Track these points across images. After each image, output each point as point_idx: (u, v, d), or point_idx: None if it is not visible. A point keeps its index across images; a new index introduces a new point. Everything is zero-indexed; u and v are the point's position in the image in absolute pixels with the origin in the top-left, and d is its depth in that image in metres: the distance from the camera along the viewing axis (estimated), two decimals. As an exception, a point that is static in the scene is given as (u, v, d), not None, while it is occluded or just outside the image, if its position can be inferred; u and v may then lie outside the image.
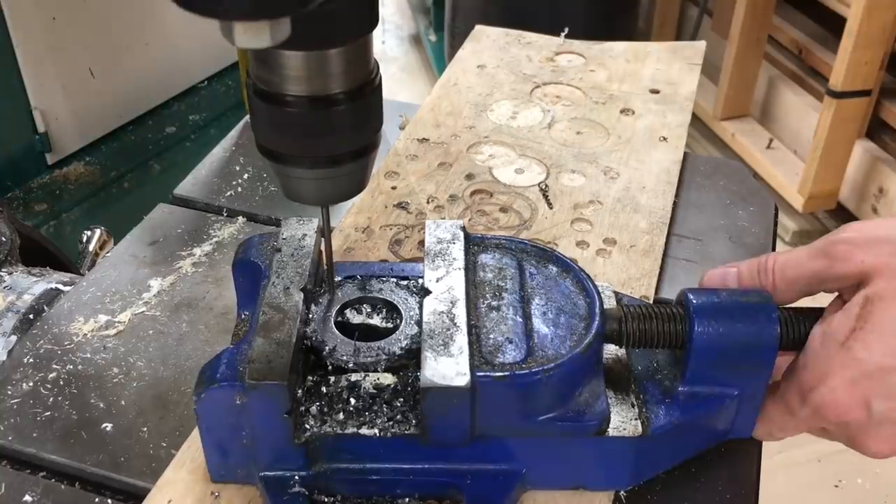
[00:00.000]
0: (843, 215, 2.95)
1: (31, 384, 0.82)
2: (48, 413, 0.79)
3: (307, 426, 0.67)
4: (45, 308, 0.95)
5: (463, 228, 0.77)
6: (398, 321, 0.72)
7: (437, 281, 0.72)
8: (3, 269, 1.05)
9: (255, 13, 0.47)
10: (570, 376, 0.67)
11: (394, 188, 1.05)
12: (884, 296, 0.63)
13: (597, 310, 0.70)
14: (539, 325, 0.70)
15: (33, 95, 1.82)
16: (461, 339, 0.66)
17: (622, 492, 0.73)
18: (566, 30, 1.37)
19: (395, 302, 0.73)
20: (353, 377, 0.68)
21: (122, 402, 0.80)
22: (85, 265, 1.43)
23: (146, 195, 1.96)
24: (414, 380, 0.67)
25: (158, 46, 2.09)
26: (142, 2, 2.02)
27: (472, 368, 0.64)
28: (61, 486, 0.74)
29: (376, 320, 0.73)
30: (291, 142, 0.63)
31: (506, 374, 0.64)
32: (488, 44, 1.37)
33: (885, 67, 2.68)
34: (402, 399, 0.67)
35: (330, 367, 0.69)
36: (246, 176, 1.14)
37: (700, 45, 1.35)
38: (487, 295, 0.72)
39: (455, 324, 0.68)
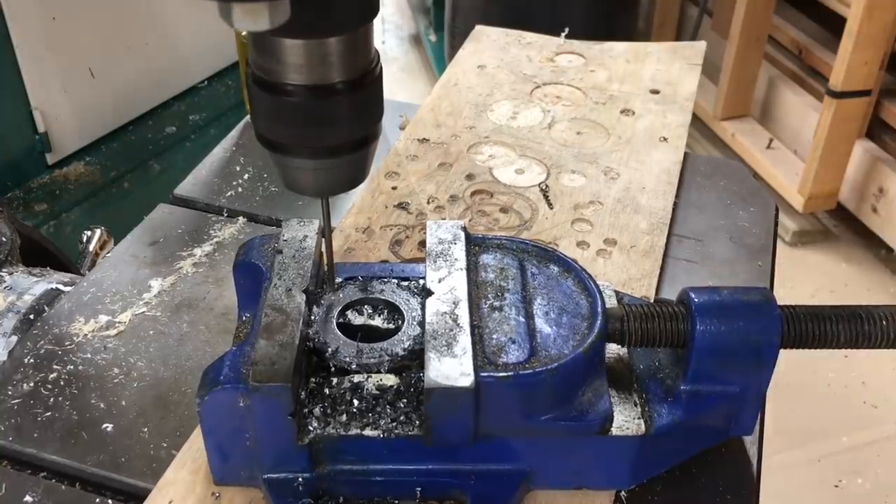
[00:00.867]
0: (843, 215, 2.95)
1: (31, 384, 0.82)
2: (49, 413, 0.79)
3: (310, 428, 0.67)
4: (46, 308, 0.95)
5: (464, 229, 0.78)
6: (400, 322, 0.72)
7: (440, 281, 0.72)
8: (4, 270, 1.05)
9: None
10: (573, 376, 0.67)
11: (394, 188, 1.05)
12: None
13: (599, 309, 0.70)
14: (541, 324, 0.70)
15: (33, 95, 1.82)
16: (464, 340, 0.66)
17: (622, 492, 0.73)
18: (566, 30, 1.38)
19: (396, 303, 0.73)
20: (356, 378, 0.68)
21: (123, 403, 0.80)
22: (85, 265, 1.43)
23: (146, 195, 1.96)
24: (417, 380, 0.67)
25: (158, 46, 2.09)
26: (142, 2, 2.02)
27: (476, 369, 0.64)
28: (62, 486, 0.74)
29: (378, 321, 0.73)
30: (291, 131, 0.63)
31: (509, 374, 0.64)
32: (488, 44, 1.37)
33: (885, 67, 2.68)
34: (405, 400, 0.67)
35: (332, 369, 0.69)
36: (246, 176, 1.14)
37: (700, 46, 1.35)
38: (490, 295, 0.72)
39: (458, 324, 0.68)
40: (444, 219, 0.99)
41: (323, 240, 0.76)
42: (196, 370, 0.83)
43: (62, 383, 0.82)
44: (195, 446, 0.73)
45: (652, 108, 1.21)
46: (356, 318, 0.73)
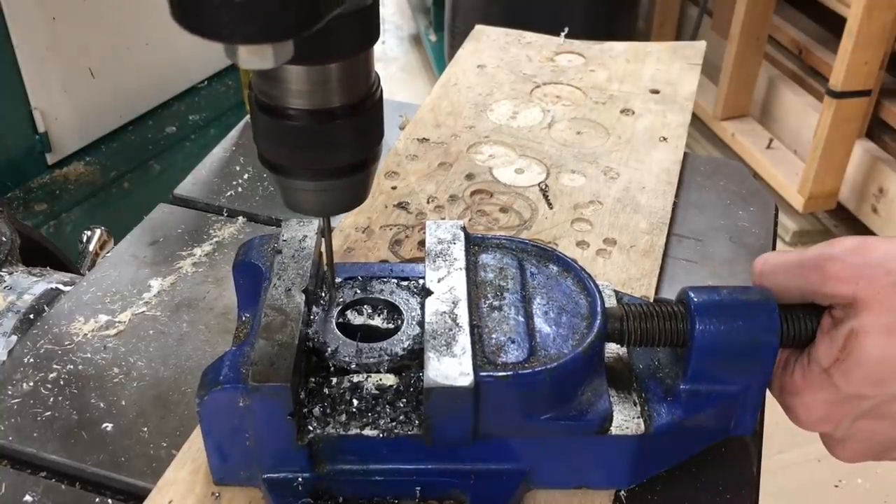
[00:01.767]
0: (843, 215, 2.95)
1: (31, 384, 0.82)
2: (48, 413, 0.79)
3: (310, 428, 0.67)
4: (46, 308, 0.95)
5: (463, 228, 0.78)
6: (400, 322, 0.72)
7: (439, 281, 0.72)
8: (4, 269, 1.05)
9: (259, 37, 0.48)
10: (572, 375, 0.67)
11: (394, 188, 1.05)
12: (869, 331, 0.64)
13: (598, 309, 0.70)
14: (541, 324, 0.70)
15: (33, 95, 1.82)
16: (464, 339, 0.66)
17: (622, 492, 0.73)
18: (566, 30, 1.37)
19: (396, 303, 0.73)
20: (356, 378, 0.68)
21: (123, 402, 0.80)
22: (85, 265, 1.43)
23: (146, 195, 1.96)
24: (416, 380, 0.67)
25: (158, 46, 2.09)
26: (142, 2, 2.02)
27: (476, 368, 0.64)
28: (62, 486, 0.74)
29: (378, 321, 0.73)
30: (292, 154, 0.64)
31: (509, 373, 0.64)
32: (488, 43, 1.37)
33: (885, 67, 2.68)
34: (404, 400, 0.67)
35: (332, 369, 0.69)
36: (246, 176, 1.14)
37: (700, 45, 1.35)
38: (489, 295, 0.72)
39: (457, 324, 0.68)
40: (443, 218, 0.99)
41: (323, 240, 0.76)
42: (196, 370, 0.83)
43: (62, 383, 0.82)
44: (195, 446, 0.73)
45: (652, 107, 1.21)
46: (356, 318, 0.73)
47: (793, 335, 0.70)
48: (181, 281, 0.96)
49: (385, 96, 0.67)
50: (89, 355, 0.85)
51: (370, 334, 0.71)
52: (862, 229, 2.85)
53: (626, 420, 0.70)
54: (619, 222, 1.00)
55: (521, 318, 0.70)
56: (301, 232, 0.78)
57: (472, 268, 0.75)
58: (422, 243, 0.95)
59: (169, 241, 1.01)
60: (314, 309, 0.72)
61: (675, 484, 0.74)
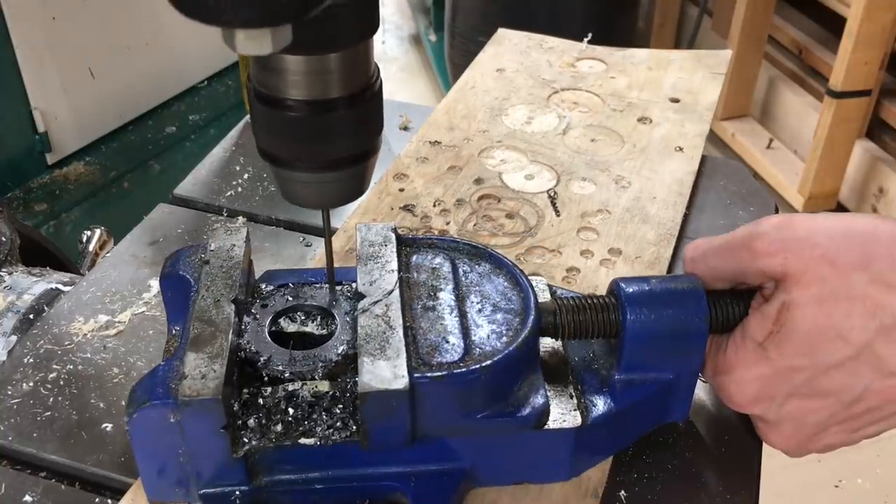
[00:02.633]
0: (843, 215, 2.95)
1: (31, 384, 0.82)
2: (48, 413, 0.79)
3: (245, 440, 0.65)
4: (45, 308, 0.95)
5: (394, 230, 0.77)
6: (333, 327, 0.71)
7: (371, 284, 0.71)
8: (3, 269, 1.05)
9: (257, 21, 0.48)
10: (507, 372, 0.67)
11: (401, 190, 1.05)
12: (800, 302, 0.65)
13: (531, 304, 0.71)
14: (475, 322, 0.70)
15: (33, 95, 1.82)
16: (397, 342, 0.66)
17: (622, 492, 0.73)
18: (589, 35, 1.36)
19: (329, 308, 0.72)
20: (290, 387, 0.67)
21: (123, 403, 0.80)
22: (85, 265, 1.43)
23: (146, 195, 1.96)
24: (352, 385, 0.66)
25: (158, 46, 2.09)
26: (142, 2, 2.02)
27: (410, 370, 0.64)
28: (61, 486, 0.74)
29: (311, 327, 0.72)
30: (290, 145, 0.63)
31: (443, 373, 0.64)
32: (509, 47, 1.36)
33: (885, 67, 2.68)
34: (340, 405, 0.66)
35: (266, 378, 0.67)
36: (246, 176, 1.14)
37: (725, 55, 1.33)
38: (422, 295, 0.72)
39: (390, 326, 0.67)
40: (448, 223, 0.99)
41: (244, 249, 0.75)
42: (196, 370, 0.82)
43: (62, 383, 0.82)
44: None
45: (670, 116, 1.20)
46: (288, 326, 0.72)
47: (721, 320, 0.71)
48: (181, 281, 0.96)
49: (385, 96, 0.67)
50: (89, 355, 0.85)
51: (304, 341, 0.70)
52: (862, 229, 2.85)
53: (563, 413, 0.70)
54: (626, 232, 0.99)
55: (454, 318, 0.70)
56: (229, 241, 0.76)
57: (404, 269, 0.74)
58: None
59: (169, 241, 1.01)
60: (245, 319, 0.71)
61: (675, 485, 0.74)
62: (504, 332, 0.69)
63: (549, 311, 0.72)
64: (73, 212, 1.90)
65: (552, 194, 1.05)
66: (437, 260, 0.76)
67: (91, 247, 1.46)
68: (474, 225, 1.00)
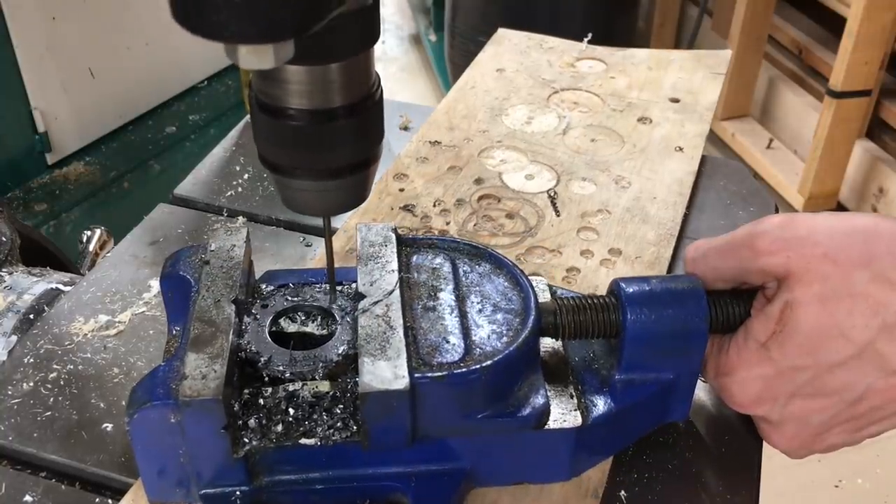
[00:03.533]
0: (843, 215, 2.95)
1: (31, 384, 0.82)
2: (48, 413, 0.79)
3: (246, 440, 0.65)
4: (46, 308, 0.95)
5: (395, 231, 0.77)
6: (334, 327, 0.71)
7: (371, 284, 0.71)
8: (4, 269, 1.05)
9: (260, 37, 0.48)
10: (508, 372, 0.67)
11: (401, 190, 1.05)
12: (803, 301, 0.65)
13: (532, 304, 0.71)
14: (475, 322, 0.70)
15: (33, 95, 1.82)
16: (397, 342, 0.66)
17: (622, 492, 0.73)
18: (589, 35, 1.36)
19: (329, 308, 0.72)
20: (291, 387, 0.67)
21: (123, 403, 0.80)
22: (85, 265, 1.43)
23: (146, 195, 1.96)
24: (353, 385, 0.66)
25: (158, 46, 2.09)
26: (142, 2, 2.02)
27: (411, 370, 0.64)
28: (61, 486, 0.74)
29: (312, 328, 0.72)
30: (292, 154, 0.63)
31: (444, 374, 0.64)
32: (509, 47, 1.36)
33: (885, 67, 2.68)
34: (341, 406, 0.66)
35: (266, 379, 0.67)
36: (246, 176, 1.14)
37: (725, 55, 1.33)
38: (423, 296, 0.72)
39: (391, 327, 0.67)
40: (448, 223, 0.99)
41: (245, 249, 0.75)
42: (196, 370, 0.82)
43: (62, 383, 0.82)
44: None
45: (670, 116, 1.20)
46: (289, 326, 0.72)
47: (722, 321, 0.71)
48: (181, 281, 0.96)
49: (385, 96, 0.67)
50: (89, 355, 0.85)
51: (304, 341, 0.70)
52: (862, 229, 2.85)
53: (563, 413, 0.70)
54: (626, 232, 0.99)
55: (455, 318, 0.70)
56: (229, 241, 0.76)
57: (404, 269, 0.74)
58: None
59: (169, 241, 1.01)
60: (245, 319, 0.71)
61: (675, 485, 0.74)
62: (504, 332, 0.69)
63: (549, 311, 0.72)
64: (73, 212, 1.90)
65: (552, 194, 1.05)
66: (438, 260, 0.76)
67: (91, 247, 1.46)
68: (474, 225, 1.00)
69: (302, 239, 1.03)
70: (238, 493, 0.67)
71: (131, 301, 0.92)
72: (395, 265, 0.73)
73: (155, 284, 0.95)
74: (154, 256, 0.99)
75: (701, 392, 0.82)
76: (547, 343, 0.76)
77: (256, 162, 1.17)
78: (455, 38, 3.14)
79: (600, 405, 0.71)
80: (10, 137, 1.83)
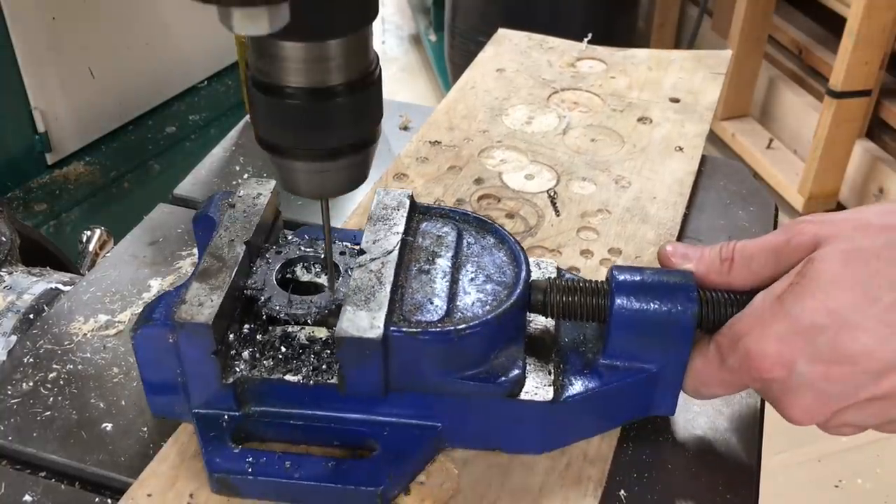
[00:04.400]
0: (843, 215, 2.95)
1: (31, 384, 0.82)
2: (48, 413, 0.79)
3: (237, 369, 0.71)
4: (45, 308, 0.95)
5: (410, 197, 0.80)
6: (337, 279, 0.75)
7: (374, 243, 0.75)
8: (3, 269, 1.05)
9: None
10: (483, 339, 0.70)
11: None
12: (825, 257, 0.64)
13: (521, 279, 0.73)
14: (464, 290, 0.73)
15: (33, 95, 1.82)
16: (382, 297, 0.69)
17: (622, 491, 0.73)
18: (589, 35, 1.36)
19: (335, 261, 0.77)
20: (290, 329, 0.73)
21: (123, 402, 0.80)
22: (85, 265, 1.43)
23: (146, 195, 1.96)
24: None
25: (158, 46, 2.09)
26: (142, 2, 2.02)
27: (388, 323, 0.67)
28: (61, 486, 0.74)
29: (314, 276, 0.78)
30: (289, 134, 0.63)
31: (418, 330, 0.68)
32: (510, 47, 1.36)
33: (885, 67, 2.68)
34: (329, 351, 0.72)
35: (265, 318, 0.73)
36: (246, 176, 1.14)
37: (725, 55, 1.33)
38: (420, 259, 0.76)
39: (380, 282, 0.71)
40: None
41: (270, 203, 0.80)
42: (196, 370, 0.82)
43: (62, 383, 0.82)
44: (180, 440, 0.75)
45: (670, 116, 1.20)
46: (296, 274, 0.78)
47: (712, 318, 0.71)
48: (181, 281, 0.96)
49: (385, 96, 0.66)
50: (89, 355, 0.85)
51: (309, 289, 0.76)
52: (862, 229, 2.85)
53: (537, 387, 0.72)
54: (626, 232, 0.99)
55: (445, 283, 0.73)
56: (257, 190, 0.82)
57: (411, 234, 0.78)
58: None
59: (169, 241, 1.01)
60: (258, 262, 0.76)
61: (675, 484, 0.74)
62: (489, 301, 0.72)
63: (539, 288, 0.74)
64: (73, 212, 1.90)
65: (552, 194, 1.05)
66: (445, 229, 0.79)
67: (91, 247, 1.46)
68: (474, 225, 1.00)
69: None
70: (226, 416, 0.72)
71: (131, 301, 0.92)
72: (401, 228, 0.77)
73: (155, 284, 0.95)
74: (154, 256, 0.99)
75: (701, 392, 0.82)
76: (540, 321, 0.78)
77: (257, 162, 1.17)
78: (455, 38, 3.14)
79: (577, 385, 0.73)
80: (10, 137, 1.83)
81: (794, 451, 2.15)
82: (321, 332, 0.73)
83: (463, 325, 0.68)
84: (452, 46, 3.18)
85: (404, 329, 0.68)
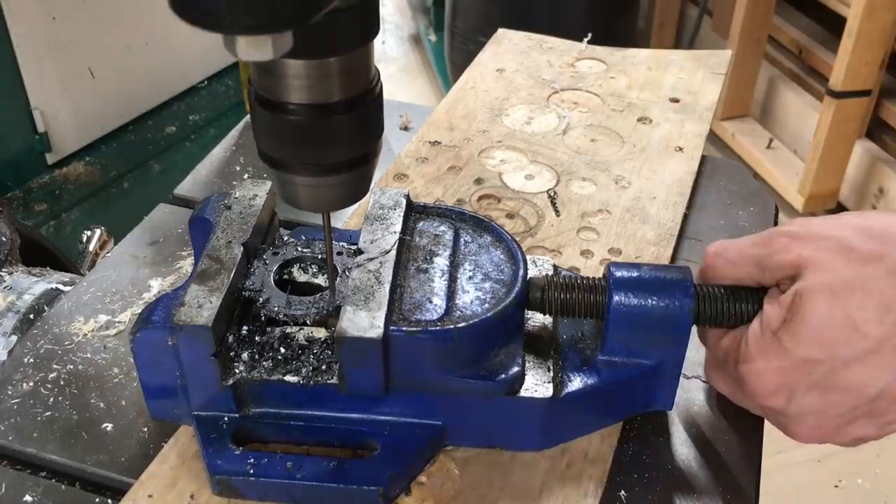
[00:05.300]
0: (843, 215, 2.95)
1: (31, 384, 0.82)
2: (48, 413, 0.79)
3: (237, 371, 0.71)
4: (46, 308, 0.95)
5: (407, 196, 0.80)
6: (335, 280, 0.75)
7: (371, 243, 0.75)
8: (4, 269, 1.05)
9: (258, 27, 0.48)
10: (482, 337, 0.70)
11: (401, 191, 1.05)
12: (813, 292, 0.65)
13: (519, 277, 0.73)
14: (462, 288, 0.73)
15: (33, 95, 1.82)
16: (381, 296, 0.70)
17: (622, 491, 0.73)
18: (589, 35, 1.36)
19: (334, 262, 0.76)
20: (289, 330, 0.73)
21: (123, 402, 0.80)
22: (85, 265, 1.43)
23: (146, 195, 1.96)
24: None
25: (158, 46, 2.09)
26: (142, 2, 2.02)
27: (388, 323, 0.68)
28: (61, 486, 0.74)
29: (312, 277, 0.77)
30: (290, 149, 0.64)
31: (419, 329, 0.68)
32: (509, 47, 1.36)
33: (885, 67, 2.68)
34: (328, 352, 0.72)
35: (263, 319, 0.73)
36: (246, 176, 1.14)
37: (725, 55, 1.33)
38: (419, 258, 0.76)
39: (379, 282, 0.71)
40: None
41: (267, 202, 0.80)
42: (196, 370, 0.82)
43: (62, 383, 0.82)
44: (181, 441, 0.74)
45: (670, 116, 1.20)
46: (294, 274, 0.77)
47: (710, 314, 0.72)
48: (181, 281, 0.95)
49: (385, 96, 0.67)
50: (89, 355, 0.85)
51: (306, 290, 0.75)
52: (862, 229, 2.85)
53: (536, 384, 0.72)
54: (626, 232, 0.99)
55: (444, 282, 0.73)
56: (253, 191, 0.82)
57: (408, 233, 0.78)
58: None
59: (169, 241, 1.01)
60: (255, 263, 0.76)
61: (675, 484, 0.74)
62: (488, 299, 0.72)
63: (537, 286, 0.74)
64: (73, 212, 1.90)
65: (552, 194, 1.05)
66: (442, 228, 0.80)
67: (91, 247, 1.46)
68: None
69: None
70: (226, 418, 0.72)
71: (131, 301, 0.92)
72: (398, 227, 0.77)
73: (155, 284, 0.95)
74: (154, 256, 0.99)
75: (700, 392, 0.82)
76: (539, 318, 0.78)
77: (256, 162, 1.17)
78: (455, 38, 3.14)
79: (576, 382, 0.73)
80: (10, 137, 1.83)
81: (794, 451, 2.15)
82: (320, 333, 0.73)
83: (463, 324, 0.69)
84: (452, 46, 3.18)
85: (404, 328, 0.68)
